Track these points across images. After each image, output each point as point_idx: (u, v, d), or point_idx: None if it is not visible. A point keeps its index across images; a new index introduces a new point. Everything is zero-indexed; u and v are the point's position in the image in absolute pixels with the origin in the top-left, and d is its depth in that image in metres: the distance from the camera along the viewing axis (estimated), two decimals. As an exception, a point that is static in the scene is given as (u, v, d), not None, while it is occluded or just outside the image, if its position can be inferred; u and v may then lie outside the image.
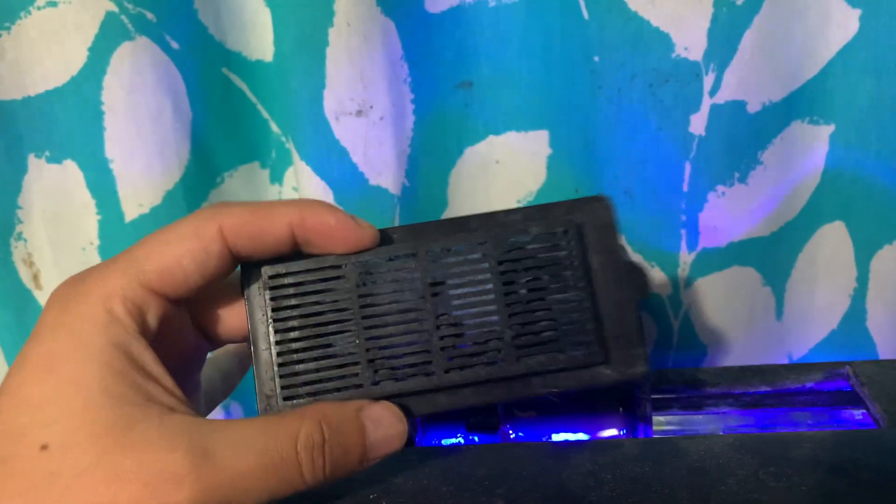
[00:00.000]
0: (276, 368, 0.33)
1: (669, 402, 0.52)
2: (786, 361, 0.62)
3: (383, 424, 0.32)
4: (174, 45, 0.53)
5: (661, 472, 0.37)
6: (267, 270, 0.34)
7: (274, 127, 0.58)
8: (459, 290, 0.34)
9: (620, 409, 0.49)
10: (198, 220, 0.32)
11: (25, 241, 0.56)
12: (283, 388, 0.33)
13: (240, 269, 0.34)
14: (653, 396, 0.49)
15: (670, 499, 0.35)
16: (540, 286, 0.34)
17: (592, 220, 0.35)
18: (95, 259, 0.56)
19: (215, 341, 0.37)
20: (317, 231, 0.33)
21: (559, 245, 0.35)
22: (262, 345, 0.34)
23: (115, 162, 0.54)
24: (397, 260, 0.34)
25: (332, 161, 0.54)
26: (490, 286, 0.34)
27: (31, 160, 0.54)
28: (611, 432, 0.48)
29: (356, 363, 0.33)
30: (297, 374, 0.33)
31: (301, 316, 0.34)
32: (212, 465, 0.28)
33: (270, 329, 0.33)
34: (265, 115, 0.58)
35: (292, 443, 0.29)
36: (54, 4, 0.50)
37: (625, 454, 0.39)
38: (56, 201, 0.55)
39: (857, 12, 0.53)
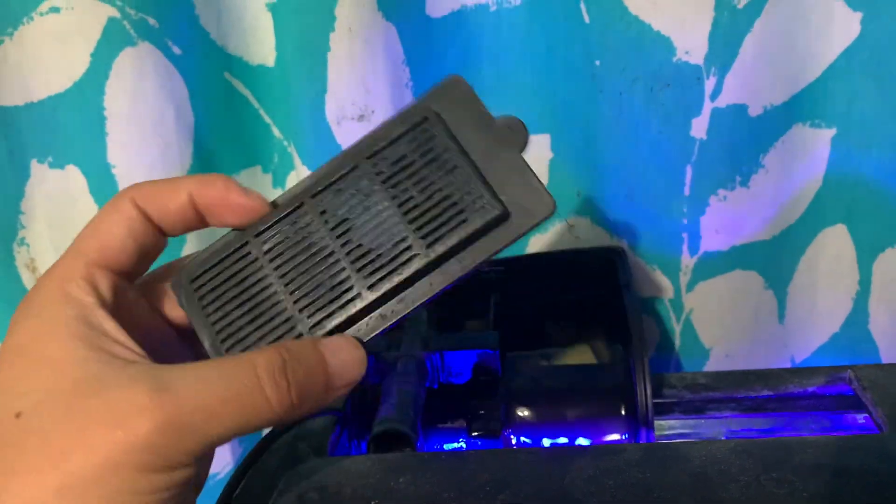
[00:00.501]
0: (219, 346, 0.35)
1: (671, 406, 0.52)
2: (788, 365, 0.62)
3: (342, 350, 0.34)
4: (176, 50, 0.54)
5: (663, 477, 0.37)
6: (185, 276, 0.36)
7: (276, 131, 0.58)
8: (356, 217, 0.35)
9: (622, 413, 0.49)
10: (113, 199, 0.34)
11: (28, 246, 0.56)
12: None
13: (171, 285, 0.36)
14: (655, 401, 0.49)
15: (672, 504, 0.35)
16: (426, 181, 0.35)
17: (451, 102, 0.36)
18: (98, 264, 0.56)
19: (182, 329, 0.39)
20: (212, 201, 0.35)
21: (426, 134, 0.35)
22: (206, 339, 0.35)
23: (117, 167, 0.54)
24: (290, 216, 0.35)
25: (334, 166, 0.54)
26: (386, 203, 0.35)
27: (34, 165, 0.54)
28: (613, 437, 0.48)
29: (290, 318, 0.35)
30: (238, 342, 0.35)
31: (229, 301, 0.35)
32: (173, 395, 0.29)
33: (209, 324, 0.35)
34: (267, 119, 0.58)
35: (252, 369, 0.31)
36: (57, 10, 0.50)
37: (626, 460, 0.39)
38: (59, 206, 0.55)
39: (859, 15, 0.53)
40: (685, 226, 0.56)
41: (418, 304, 0.35)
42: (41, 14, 0.50)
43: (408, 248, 0.34)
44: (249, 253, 0.35)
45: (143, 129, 0.54)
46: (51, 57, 0.52)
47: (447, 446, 0.49)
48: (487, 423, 0.50)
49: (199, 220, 0.35)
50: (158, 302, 0.37)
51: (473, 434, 0.50)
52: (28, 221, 0.55)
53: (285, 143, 0.58)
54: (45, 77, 0.52)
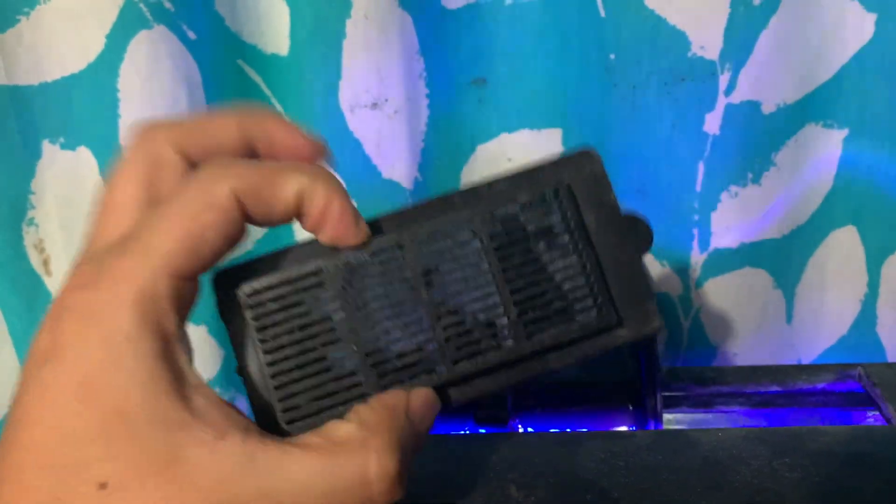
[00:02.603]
0: (272, 390, 0.31)
1: (679, 399, 0.52)
2: (795, 366, 0.62)
3: (428, 414, 0.31)
4: (191, 34, 0.54)
5: (674, 461, 0.37)
6: (245, 290, 0.31)
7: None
8: (454, 276, 0.31)
9: (630, 406, 0.49)
10: (205, 183, 0.28)
11: (37, 226, 0.55)
12: (283, 411, 0.31)
13: (213, 289, 0.32)
14: (663, 394, 0.48)
15: (683, 486, 0.35)
16: (537, 257, 0.32)
17: (581, 177, 0.33)
18: (106, 246, 0.56)
19: None
20: (324, 214, 0.30)
21: (551, 209, 0.32)
22: (252, 364, 0.31)
23: (129, 149, 0.54)
24: (381, 254, 0.31)
25: (346, 153, 0.54)
26: (486, 266, 0.31)
27: (46, 146, 0.54)
28: (621, 429, 0.48)
29: (356, 372, 0.31)
30: (295, 394, 0.31)
31: (289, 331, 0.31)
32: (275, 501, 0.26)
33: (259, 348, 0.31)
34: (279, 108, 0.58)
35: (360, 478, 0.27)
36: (73, -10, 0.50)
37: (636, 444, 0.39)
38: (69, 188, 0.55)
39: (873, 16, 0.53)
40: (696, 222, 0.56)
41: (503, 387, 0.32)
42: (57, -6, 0.50)
43: (504, 331, 0.31)
44: (326, 282, 0.31)
45: (155, 112, 0.53)
46: (66, 37, 0.52)
47: (454, 433, 0.49)
48: (495, 412, 0.49)
49: (295, 218, 0.30)
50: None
51: (480, 422, 0.50)
52: (38, 202, 0.55)
53: (296, 132, 0.58)
54: (59, 57, 0.52)
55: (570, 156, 0.33)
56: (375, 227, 0.32)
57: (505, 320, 0.31)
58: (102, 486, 0.25)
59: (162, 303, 0.27)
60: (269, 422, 0.31)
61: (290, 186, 0.29)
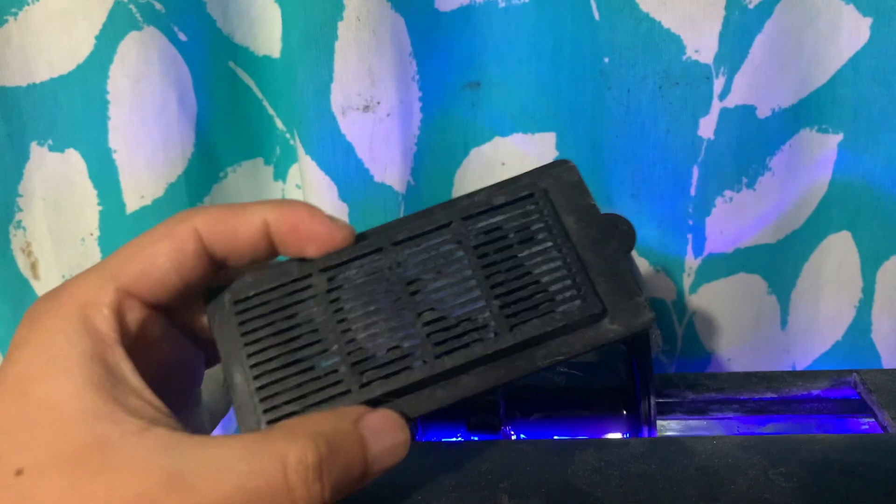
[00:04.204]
0: (254, 394, 0.31)
1: (673, 406, 0.51)
2: (790, 372, 0.62)
3: (385, 434, 0.29)
4: (182, 36, 0.53)
5: (669, 470, 0.37)
6: (229, 297, 0.32)
7: (279, 124, 0.58)
8: (435, 276, 0.32)
9: (624, 412, 0.49)
10: (172, 221, 0.31)
11: (25, 229, 0.55)
12: (265, 411, 0.31)
13: (204, 301, 0.33)
14: (657, 400, 0.48)
15: (678, 496, 0.35)
16: (517, 255, 0.32)
17: (558, 184, 0.33)
18: (95, 250, 0.55)
19: (211, 351, 0.35)
20: (292, 230, 0.31)
21: (529, 211, 0.33)
22: (237, 372, 0.31)
23: (118, 152, 0.53)
24: (364, 258, 0.32)
25: (338, 156, 0.54)
26: (467, 264, 0.32)
27: (34, 148, 0.53)
28: (614, 436, 0.48)
29: (338, 370, 0.31)
30: (277, 394, 0.31)
31: (273, 334, 0.31)
32: (188, 490, 0.26)
33: (243, 355, 0.31)
34: (270, 111, 0.58)
35: (280, 465, 0.27)
36: (62, -9, 0.50)
37: (631, 452, 0.38)
38: (57, 190, 0.54)
39: (869, 21, 0.53)
40: (690, 227, 0.55)
41: (490, 387, 0.31)
42: (46, -5, 0.50)
43: (485, 325, 0.31)
44: (310, 287, 0.32)
45: (145, 115, 0.53)
46: (55, 38, 0.51)
47: (445, 441, 0.49)
48: (486, 417, 0.49)
49: (269, 251, 0.32)
50: (191, 325, 0.34)
51: (472, 429, 0.49)
52: (25, 204, 0.54)
53: (288, 135, 0.58)
54: (48, 58, 0.52)
55: (546, 166, 0.34)
56: (359, 237, 0.33)
57: (487, 314, 0.31)
58: (19, 472, 0.26)
59: (103, 310, 0.28)
60: (251, 425, 0.31)
61: (252, 215, 0.31)
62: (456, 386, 0.31)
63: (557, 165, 0.34)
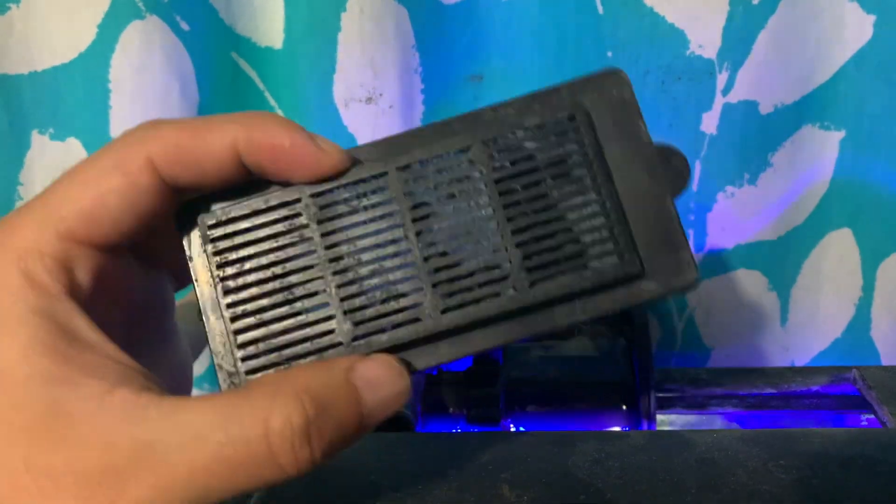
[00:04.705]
0: (231, 337, 0.27)
1: (673, 400, 0.51)
2: (789, 368, 0.62)
3: (382, 385, 0.25)
4: (184, 26, 0.53)
5: (669, 461, 0.37)
6: (204, 219, 0.27)
7: (281, 115, 0.58)
8: (446, 212, 0.27)
9: (624, 406, 0.49)
10: (121, 150, 0.25)
11: (25, 218, 0.55)
12: (243, 359, 0.27)
13: (174, 221, 0.28)
14: (657, 395, 0.48)
15: (678, 487, 0.35)
16: (546, 192, 0.27)
17: (605, 101, 0.28)
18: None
19: (181, 278, 0.31)
20: (268, 154, 0.26)
21: (566, 136, 0.27)
22: (212, 310, 0.27)
23: (119, 141, 0.53)
24: (365, 183, 0.27)
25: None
26: (486, 200, 0.27)
27: (35, 136, 0.53)
28: (614, 430, 0.48)
29: (330, 317, 0.27)
30: (258, 340, 0.27)
31: (254, 269, 0.27)
32: (159, 460, 0.23)
33: (219, 290, 0.27)
34: (272, 102, 0.58)
35: (262, 430, 0.23)
36: (65, -21, 0.50)
37: (631, 444, 0.38)
38: (58, 179, 0.54)
39: (872, 18, 0.53)
40: (692, 222, 0.55)
41: (485, 348, 0.28)
42: (49, -18, 0.50)
43: (504, 277, 0.27)
44: (299, 215, 0.27)
45: (146, 105, 0.53)
46: (57, 27, 0.51)
47: (445, 432, 0.49)
48: (487, 410, 0.49)
49: (243, 176, 0.26)
50: (156, 253, 0.29)
51: (472, 421, 0.49)
52: (26, 193, 0.54)
53: (290, 126, 0.58)
54: (50, 47, 0.52)
55: (592, 76, 0.28)
56: (361, 154, 0.28)
57: (507, 265, 0.27)
58: None
59: (46, 261, 0.24)
60: (229, 373, 0.27)
61: (219, 137, 0.25)
62: (464, 342, 0.27)
63: (606, 76, 0.28)
